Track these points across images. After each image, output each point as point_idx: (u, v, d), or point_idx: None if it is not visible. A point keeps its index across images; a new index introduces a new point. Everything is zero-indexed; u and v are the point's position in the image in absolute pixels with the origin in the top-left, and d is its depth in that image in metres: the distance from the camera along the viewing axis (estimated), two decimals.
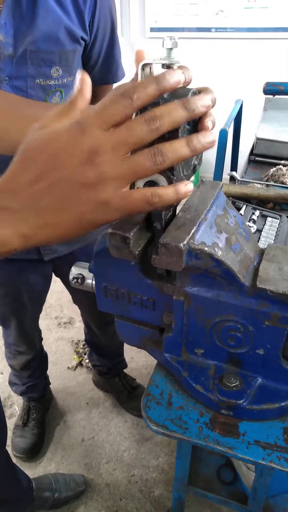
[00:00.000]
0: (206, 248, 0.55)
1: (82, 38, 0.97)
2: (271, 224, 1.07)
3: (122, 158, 0.40)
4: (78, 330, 2.19)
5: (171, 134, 0.47)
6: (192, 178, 0.58)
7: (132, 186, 0.50)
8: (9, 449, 1.64)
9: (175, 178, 0.50)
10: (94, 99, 1.31)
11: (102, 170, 0.39)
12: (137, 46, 3.20)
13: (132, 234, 0.56)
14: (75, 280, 0.74)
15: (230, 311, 0.60)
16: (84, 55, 1.03)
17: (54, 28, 0.90)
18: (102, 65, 1.09)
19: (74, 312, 2.26)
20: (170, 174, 0.49)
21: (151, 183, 0.50)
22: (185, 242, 0.54)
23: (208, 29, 3.02)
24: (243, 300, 0.58)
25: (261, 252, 0.64)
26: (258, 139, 1.57)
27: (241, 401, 0.62)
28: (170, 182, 0.50)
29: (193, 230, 0.56)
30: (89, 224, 0.43)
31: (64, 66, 0.96)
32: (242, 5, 2.88)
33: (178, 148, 0.41)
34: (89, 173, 0.39)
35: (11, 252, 0.43)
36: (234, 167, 2.13)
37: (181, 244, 0.53)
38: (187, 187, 0.44)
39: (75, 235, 0.44)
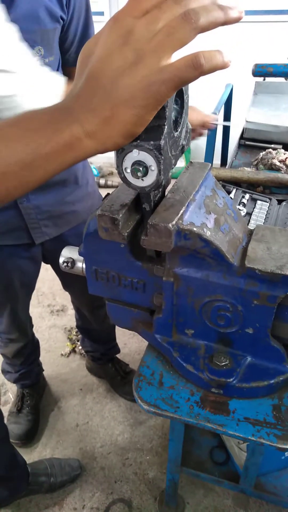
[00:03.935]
0: (194, 229, 0.55)
1: (61, 17, 0.98)
2: (261, 207, 1.08)
3: (156, 31, 0.39)
4: (70, 318, 2.19)
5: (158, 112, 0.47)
6: (183, 163, 0.58)
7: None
8: None
9: (162, 157, 0.50)
10: (70, 80, 1.31)
11: (138, 47, 0.39)
12: None
13: (121, 215, 0.56)
14: (65, 264, 0.74)
15: (219, 291, 0.60)
16: (61, 35, 1.04)
17: (34, 7, 0.90)
18: (78, 46, 1.10)
19: (66, 300, 2.26)
20: (158, 153, 0.49)
21: (139, 163, 0.50)
22: (174, 222, 0.54)
23: None
24: (232, 280, 0.59)
25: (250, 233, 0.64)
26: (248, 123, 1.56)
27: (231, 380, 0.63)
28: (158, 161, 0.50)
29: (181, 211, 0.56)
30: (144, 109, 0.42)
31: (46, 46, 0.96)
32: None
33: (211, 8, 0.39)
34: (127, 54, 0.40)
35: (88, 155, 0.44)
36: (224, 151, 2.13)
37: (170, 225, 0.54)
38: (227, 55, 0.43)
39: (139, 125, 0.43)
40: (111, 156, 3.74)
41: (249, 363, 0.65)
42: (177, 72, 0.39)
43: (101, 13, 3.09)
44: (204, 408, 0.64)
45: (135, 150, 0.49)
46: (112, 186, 3.41)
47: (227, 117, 2.02)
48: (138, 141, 0.49)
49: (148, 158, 0.50)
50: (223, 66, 0.40)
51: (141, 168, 0.50)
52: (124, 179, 0.53)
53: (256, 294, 0.58)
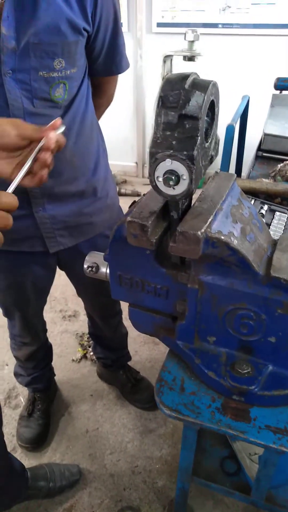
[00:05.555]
0: (222, 237, 0.57)
1: (85, 29, 0.97)
2: (279, 219, 1.09)
3: None
4: (82, 323, 2.20)
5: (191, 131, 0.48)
6: None
7: None
8: (14, 439, 1.66)
9: (195, 167, 0.51)
10: (98, 91, 1.31)
11: None
12: (143, 41, 3.21)
13: (150, 222, 0.58)
14: (89, 269, 0.76)
15: (243, 299, 0.61)
16: (88, 46, 1.03)
17: (55, 19, 0.90)
18: (106, 56, 1.09)
19: (78, 305, 2.28)
20: (190, 163, 0.51)
21: (172, 172, 0.52)
22: (202, 230, 0.55)
23: (215, 25, 3.02)
24: (256, 289, 0.60)
25: (274, 243, 0.66)
26: (266, 135, 1.58)
27: (253, 387, 0.63)
28: (190, 171, 0.51)
29: (210, 219, 0.57)
30: None
31: (67, 58, 0.96)
32: (249, 1, 2.87)
33: None
34: None
35: None
36: (239, 162, 2.14)
37: (199, 232, 0.55)
38: None
39: None
40: (125, 164, 3.78)
41: (271, 371, 0.66)
42: None
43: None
44: (226, 415, 0.65)
45: (168, 159, 0.51)
46: (125, 195, 3.44)
47: (243, 128, 2.04)
48: (172, 151, 0.51)
49: (180, 168, 0.51)
50: None
51: (173, 177, 0.52)
52: (155, 187, 0.55)
53: (280, 303, 0.59)
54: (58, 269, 1.41)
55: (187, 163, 0.51)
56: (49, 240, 1.18)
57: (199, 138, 0.51)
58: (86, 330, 1.98)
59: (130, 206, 0.66)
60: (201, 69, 0.52)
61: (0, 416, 1.25)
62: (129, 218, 0.58)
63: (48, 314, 2.25)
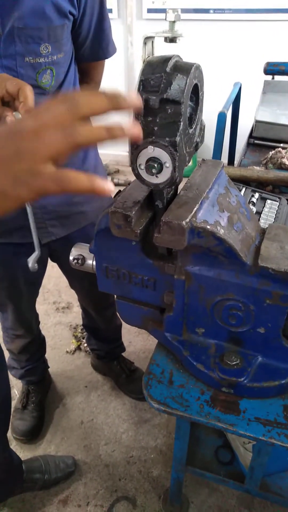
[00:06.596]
0: (208, 227, 0.55)
1: (70, 13, 0.95)
2: (271, 207, 1.07)
3: (39, 136, 0.41)
4: (76, 315, 2.19)
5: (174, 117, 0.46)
6: (190, 162, 0.57)
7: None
8: (8, 432, 1.65)
9: (178, 154, 0.49)
10: (86, 77, 1.29)
11: (20, 145, 0.41)
12: (134, 28, 3.15)
13: (134, 212, 0.56)
14: (75, 261, 0.74)
15: (231, 290, 0.60)
16: (74, 30, 1.01)
17: (40, 3, 0.88)
18: (93, 40, 1.07)
19: (72, 297, 2.26)
20: (173, 150, 0.49)
21: (154, 160, 0.50)
22: (187, 220, 0.54)
23: (206, 10, 2.96)
24: (244, 279, 0.58)
25: (263, 232, 0.64)
26: (257, 122, 1.55)
27: (242, 379, 0.62)
28: (173, 158, 0.49)
29: (195, 208, 0.55)
30: (7, 199, 0.42)
31: (53, 43, 0.94)
32: None
33: (94, 130, 0.43)
34: (8, 147, 0.41)
35: None
36: (232, 150, 2.11)
37: (184, 222, 0.53)
38: (105, 185, 0.45)
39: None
40: (117, 153, 3.74)
41: (260, 362, 0.64)
42: (42, 184, 0.41)
43: (110, 10, 3.08)
44: (215, 407, 0.64)
45: (150, 146, 0.49)
46: (118, 184, 3.41)
47: (235, 115, 2.01)
48: (153, 137, 0.49)
49: (163, 155, 0.49)
50: (87, 190, 0.43)
51: (155, 165, 0.50)
52: (138, 175, 0.53)
53: (269, 293, 0.58)
54: (51, 261, 1.39)
55: (170, 149, 0.49)
56: (40, 230, 1.16)
57: (181, 123, 0.49)
58: (80, 322, 1.97)
59: (114, 196, 0.64)
60: (192, 55, 0.50)
61: (9, 411, 1.24)
62: (112, 208, 0.56)
63: (41, 306, 2.24)
